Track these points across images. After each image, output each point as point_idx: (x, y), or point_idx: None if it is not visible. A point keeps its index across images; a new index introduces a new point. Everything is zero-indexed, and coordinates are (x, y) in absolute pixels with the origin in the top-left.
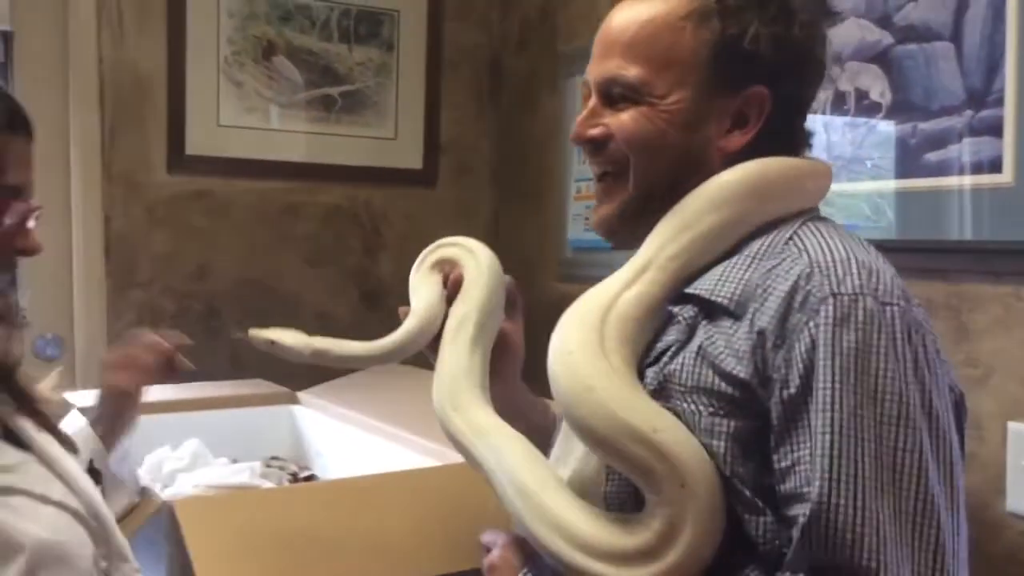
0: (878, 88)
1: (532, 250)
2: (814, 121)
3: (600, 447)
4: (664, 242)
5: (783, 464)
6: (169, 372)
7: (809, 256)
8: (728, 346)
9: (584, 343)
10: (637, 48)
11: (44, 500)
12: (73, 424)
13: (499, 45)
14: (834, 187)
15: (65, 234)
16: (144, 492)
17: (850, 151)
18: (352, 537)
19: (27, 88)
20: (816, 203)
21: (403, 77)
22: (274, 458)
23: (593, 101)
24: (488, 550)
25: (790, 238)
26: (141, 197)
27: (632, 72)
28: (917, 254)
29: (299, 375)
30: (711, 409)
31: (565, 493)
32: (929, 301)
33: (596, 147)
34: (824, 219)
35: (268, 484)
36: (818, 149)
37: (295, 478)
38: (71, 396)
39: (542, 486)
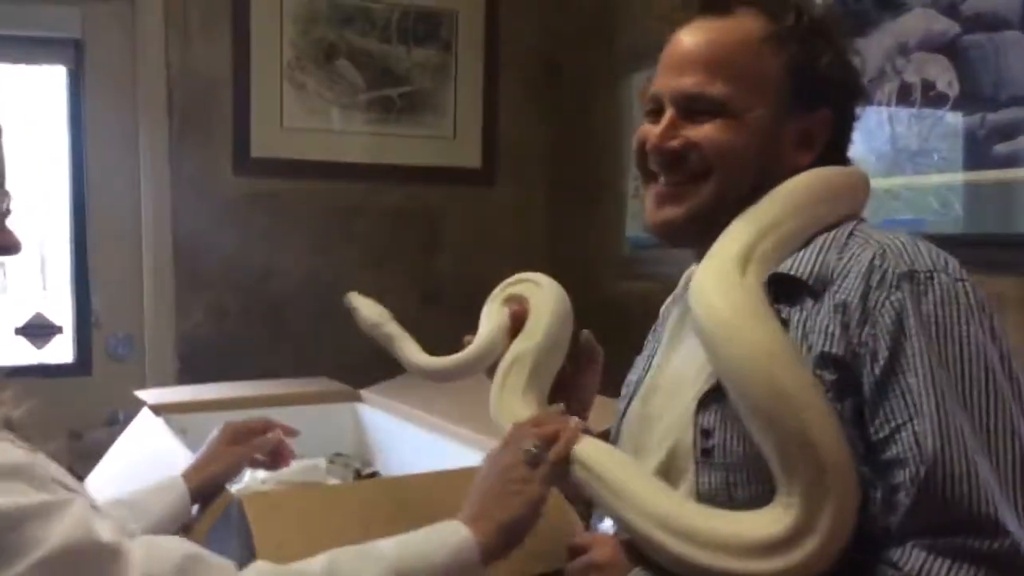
0: (945, 79)
1: (591, 248)
2: (879, 113)
3: (769, 426)
4: (757, 237)
5: (881, 435)
6: (277, 455)
7: (878, 242)
8: (815, 326)
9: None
10: (718, 66)
11: (65, 487)
12: (168, 478)
13: (556, 44)
14: (900, 180)
15: (135, 236)
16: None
17: (916, 143)
18: None
19: (97, 94)
20: (861, 211)
21: (461, 77)
22: (338, 455)
23: (670, 114)
24: (580, 551)
25: (851, 234)
26: (208, 199)
27: (717, 88)
28: (987, 248)
29: (361, 374)
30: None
31: (661, 486)
32: (1000, 296)
33: (676, 158)
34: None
35: (333, 480)
36: (882, 141)
37: (359, 475)
38: (141, 394)
39: (637, 480)
